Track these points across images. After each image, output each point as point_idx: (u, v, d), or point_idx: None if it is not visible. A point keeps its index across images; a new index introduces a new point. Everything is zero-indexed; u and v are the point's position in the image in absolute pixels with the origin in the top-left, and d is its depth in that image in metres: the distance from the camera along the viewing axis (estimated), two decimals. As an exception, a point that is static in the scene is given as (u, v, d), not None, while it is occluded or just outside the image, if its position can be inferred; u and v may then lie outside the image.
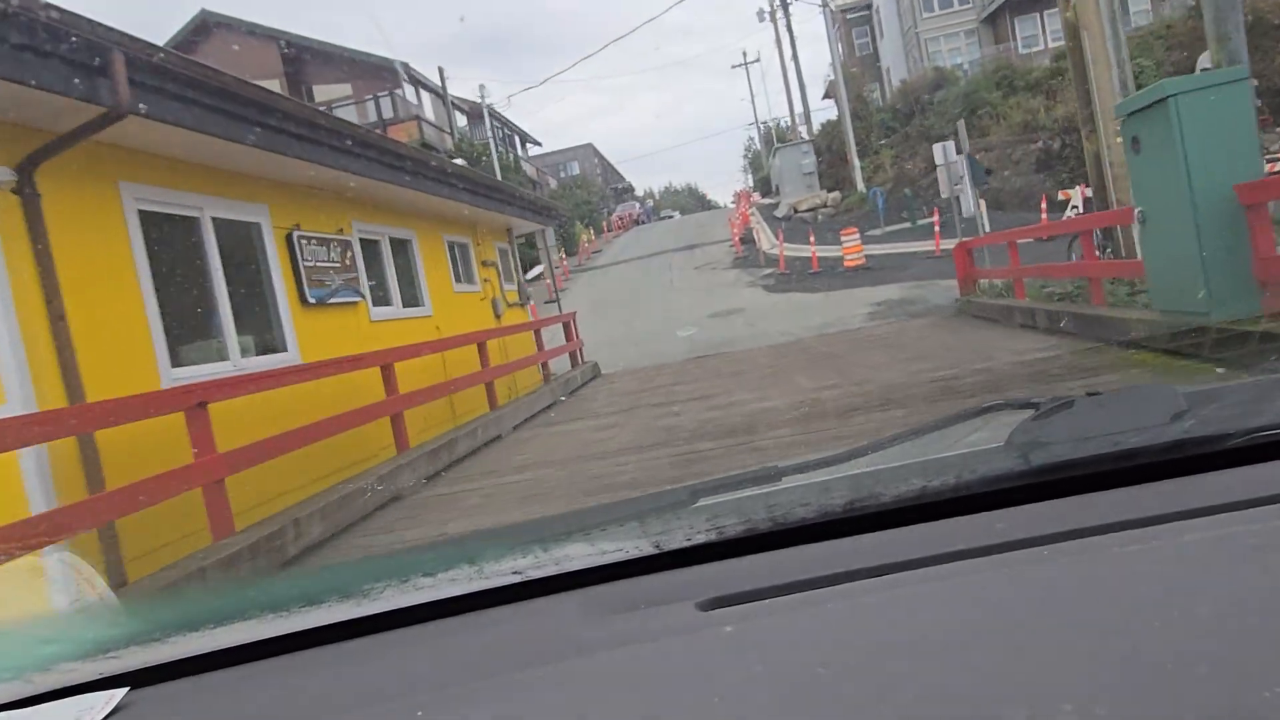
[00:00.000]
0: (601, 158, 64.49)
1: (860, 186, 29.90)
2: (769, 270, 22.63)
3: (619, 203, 56.87)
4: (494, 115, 39.33)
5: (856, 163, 30.47)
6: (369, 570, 0.90)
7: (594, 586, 0.77)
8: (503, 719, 0.55)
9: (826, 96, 39.85)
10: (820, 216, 29.27)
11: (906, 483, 0.81)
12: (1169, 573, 0.60)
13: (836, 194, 31.10)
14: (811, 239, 22.16)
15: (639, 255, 30.80)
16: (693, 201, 73.93)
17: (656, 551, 0.78)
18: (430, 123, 30.80)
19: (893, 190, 27.93)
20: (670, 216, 55.13)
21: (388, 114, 28.69)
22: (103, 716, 0.65)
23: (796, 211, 30.63)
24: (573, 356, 14.24)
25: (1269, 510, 0.67)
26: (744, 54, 62.29)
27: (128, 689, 0.70)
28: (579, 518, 0.95)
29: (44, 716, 0.66)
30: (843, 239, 20.50)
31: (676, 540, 0.79)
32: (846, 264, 20.20)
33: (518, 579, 0.77)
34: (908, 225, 22.64)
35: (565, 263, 29.66)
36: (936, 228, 19.76)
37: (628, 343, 16.10)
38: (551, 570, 0.77)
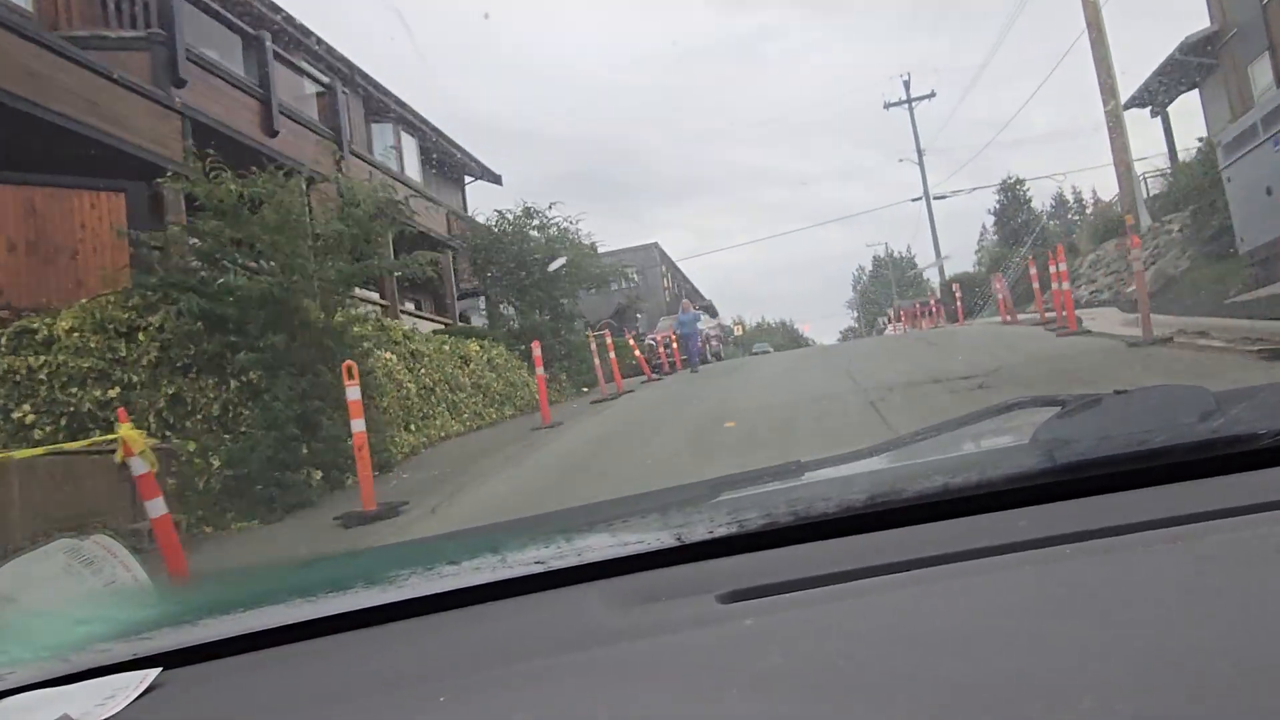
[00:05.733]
0: (668, 261, 41.89)
1: None
2: None
3: (668, 313, 27.08)
4: (420, 125, 17.66)
5: None
6: (395, 557, 0.91)
7: (616, 577, 0.77)
8: (524, 706, 0.56)
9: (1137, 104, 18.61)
10: None
11: (929, 479, 0.80)
12: (1193, 573, 0.60)
13: None
14: None
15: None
16: (788, 340, 56.19)
17: (678, 544, 0.79)
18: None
19: None
20: (765, 352, 34.76)
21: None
22: (136, 695, 0.67)
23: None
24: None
25: None
26: (905, 84, 34.97)
27: (160, 669, 0.71)
28: (601, 510, 0.96)
29: (80, 694, 0.67)
30: None
31: (698, 533, 0.79)
32: None
33: (540, 569, 0.78)
34: None
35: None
36: None
37: None
38: (574, 561, 0.78)
